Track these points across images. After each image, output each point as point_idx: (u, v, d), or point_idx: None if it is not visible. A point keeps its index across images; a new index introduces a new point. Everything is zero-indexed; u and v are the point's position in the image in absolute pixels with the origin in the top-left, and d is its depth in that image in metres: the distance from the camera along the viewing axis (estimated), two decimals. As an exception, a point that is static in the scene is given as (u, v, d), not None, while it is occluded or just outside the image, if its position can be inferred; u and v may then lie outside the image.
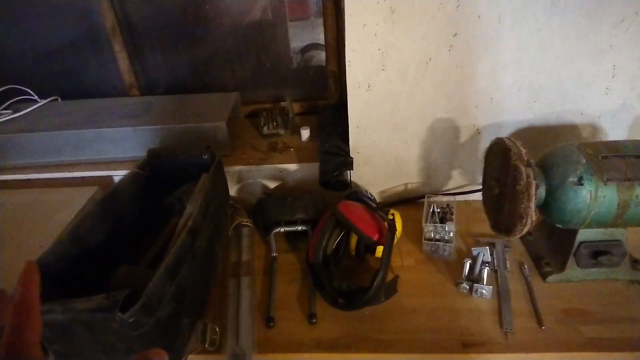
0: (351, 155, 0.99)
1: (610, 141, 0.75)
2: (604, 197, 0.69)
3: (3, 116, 1.16)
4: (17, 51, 1.24)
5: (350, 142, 0.97)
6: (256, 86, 1.27)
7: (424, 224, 0.88)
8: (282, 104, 1.19)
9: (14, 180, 1.07)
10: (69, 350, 0.61)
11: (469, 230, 0.93)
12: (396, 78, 0.88)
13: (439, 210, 0.90)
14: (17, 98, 1.22)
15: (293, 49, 1.23)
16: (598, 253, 0.76)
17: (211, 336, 0.71)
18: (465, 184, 1.02)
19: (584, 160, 0.70)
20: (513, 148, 0.71)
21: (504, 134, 0.93)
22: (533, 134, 0.92)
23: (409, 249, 0.90)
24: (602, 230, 0.76)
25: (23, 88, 1.23)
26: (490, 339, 0.70)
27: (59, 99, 1.26)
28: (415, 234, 0.92)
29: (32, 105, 1.21)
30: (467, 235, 0.92)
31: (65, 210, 0.92)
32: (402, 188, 1.04)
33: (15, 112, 1.18)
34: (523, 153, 0.71)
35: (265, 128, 1.12)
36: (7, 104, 1.21)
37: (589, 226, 0.74)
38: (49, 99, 1.24)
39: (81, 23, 1.19)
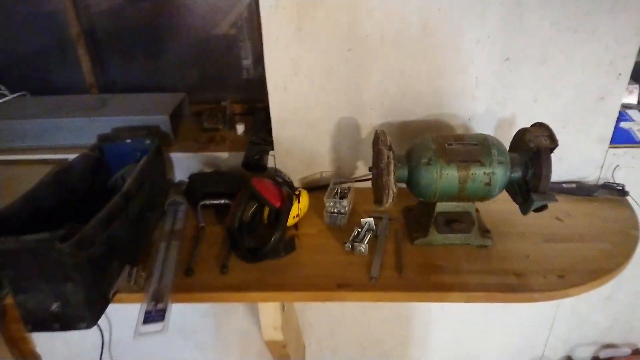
0: (275, 146, 1.18)
1: (459, 134, 0.98)
2: (447, 174, 0.91)
3: (-25, 107, 1.32)
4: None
5: (273, 135, 1.17)
6: (206, 90, 1.46)
7: (325, 199, 1.07)
8: (223, 103, 1.38)
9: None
10: (18, 275, 0.77)
11: (365, 209, 1.13)
12: (306, 83, 1.09)
13: (338, 189, 1.11)
14: (-11, 92, 1.38)
15: (244, 63, 1.43)
16: (451, 221, 0.97)
17: (137, 278, 0.88)
18: (368, 174, 1.23)
19: (434, 147, 0.92)
20: (381, 136, 0.93)
21: (393, 131, 1.14)
22: (418, 132, 1.14)
23: (314, 222, 1.09)
24: (454, 203, 0.97)
25: (-4, 84, 1.40)
26: (359, 282, 0.90)
27: (28, 95, 1.42)
28: (322, 212, 1.12)
29: (1, 99, 1.37)
30: (363, 212, 1.11)
31: (25, 183, 1.08)
32: (318, 176, 1.24)
33: (-14, 103, 1.34)
34: (387, 140, 0.92)
35: (205, 123, 1.31)
36: (-20, 97, 1.37)
37: (441, 199, 0.95)
38: (17, 94, 1.40)
39: (50, 29, 1.37)
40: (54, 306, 0.81)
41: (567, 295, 0.88)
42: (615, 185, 1.16)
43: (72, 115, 1.24)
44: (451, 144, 0.93)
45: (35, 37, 1.39)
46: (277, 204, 0.96)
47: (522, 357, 1.62)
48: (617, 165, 1.19)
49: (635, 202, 1.14)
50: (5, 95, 1.40)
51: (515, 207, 0.98)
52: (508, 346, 1.59)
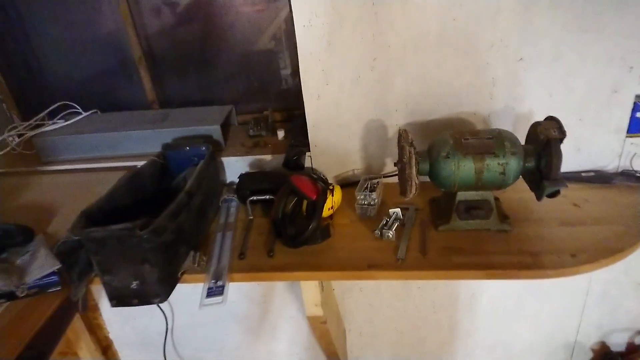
0: (311, 148, 1.33)
1: (475, 130, 1.08)
2: (464, 166, 1.02)
3: (57, 124, 1.56)
4: (66, 75, 1.66)
5: (309, 138, 1.32)
6: (250, 101, 1.64)
7: (356, 193, 1.21)
8: (265, 113, 1.55)
9: (66, 169, 1.46)
10: (105, 258, 0.96)
11: (394, 202, 1.25)
12: (337, 90, 1.23)
13: (368, 184, 1.24)
14: (67, 111, 1.61)
15: (283, 74, 1.59)
16: (471, 208, 1.08)
17: (200, 261, 1.05)
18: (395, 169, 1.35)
19: (451, 142, 1.04)
20: (403, 135, 1.05)
21: (417, 131, 1.26)
22: (440, 129, 1.25)
23: (347, 214, 1.23)
24: (473, 192, 1.08)
25: (70, 103, 1.63)
26: (387, 263, 1.02)
27: (98, 112, 1.65)
28: (354, 205, 1.25)
29: (77, 117, 1.61)
30: (391, 205, 1.23)
31: (103, 186, 1.28)
32: (350, 173, 1.37)
33: (66, 121, 1.58)
34: (409, 138, 1.04)
35: (251, 130, 1.48)
36: (60, 115, 1.61)
37: (461, 188, 1.06)
38: (90, 112, 1.63)
39: (115, 53, 1.59)
40: (134, 284, 0.98)
41: (578, 272, 0.96)
42: (634, 172, 1.22)
43: (139, 128, 1.45)
44: (467, 139, 1.04)
45: (103, 61, 1.62)
46: (314, 197, 1.11)
47: (555, 343, 1.67)
48: (635, 154, 1.24)
49: (654, 188, 1.20)
50: (80, 114, 1.63)
51: (534, 196, 1.07)
52: (540, 332, 1.65)
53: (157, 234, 0.95)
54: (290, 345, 1.79)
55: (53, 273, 0.93)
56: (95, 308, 1.77)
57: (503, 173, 1.01)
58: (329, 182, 1.29)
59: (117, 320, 1.82)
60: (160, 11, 1.53)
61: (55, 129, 1.54)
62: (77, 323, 1.64)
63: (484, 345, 1.70)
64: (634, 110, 1.20)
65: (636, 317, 1.60)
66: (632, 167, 1.24)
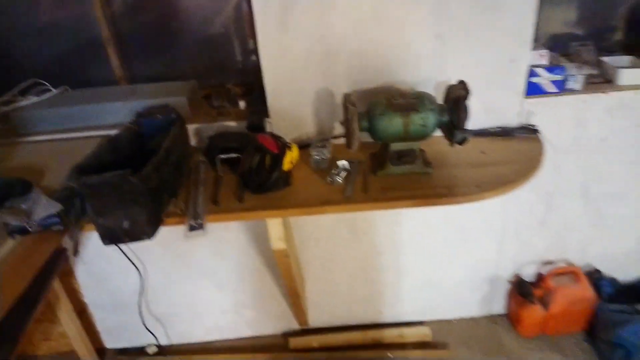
0: (270, 114, 1.55)
1: (403, 92, 1.34)
2: (394, 121, 1.27)
3: (30, 100, 1.68)
4: (38, 53, 1.76)
5: (268, 105, 1.53)
6: (211, 76, 1.82)
7: (310, 150, 1.44)
8: (227, 86, 1.74)
9: (44, 139, 1.59)
10: (99, 203, 1.13)
11: (343, 157, 1.49)
12: (291, 63, 1.45)
13: (321, 143, 1.47)
14: (38, 89, 1.73)
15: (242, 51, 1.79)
16: (401, 156, 1.34)
17: (180, 206, 1.25)
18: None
19: (384, 102, 1.29)
20: (347, 98, 1.30)
21: (359, 97, 1.50)
22: (378, 95, 1.50)
23: (304, 168, 1.45)
24: (403, 143, 1.34)
25: (41, 81, 1.74)
26: (337, 200, 1.27)
27: (68, 89, 1.77)
28: (309, 161, 1.48)
29: (48, 93, 1.72)
30: (340, 159, 1.47)
31: (82, 152, 1.43)
32: (305, 136, 1.60)
33: (38, 97, 1.69)
34: (352, 99, 1.28)
35: (214, 102, 1.67)
36: (31, 92, 1.72)
37: (393, 140, 1.32)
38: (60, 88, 1.75)
39: (84, 33, 1.72)
40: (125, 224, 1.17)
41: (483, 198, 1.25)
42: (530, 126, 1.54)
43: (110, 101, 1.60)
44: (397, 100, 1.30)
45: (73, 40, 1.74)
46: (276, 151, 1.33)
47: (478, 278, 2.00)
48: (531, 111, 1.56)
49: (544, 138, 1.52)
50: (50, 90, 1.75)
51: (453, 149, 1.34)
52: (466, 269, 1.97)
53: (145, 180, 1.13)
54: (254, 296, 2.01)
55: (55, 215, 1.09)
56: (70, 273, 1.90)
57: (424, 125, 1.28)
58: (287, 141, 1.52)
59: (91, 284, 1.95)
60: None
61: (28, 104, 1.65)
62: (56, 284, 1.77)
63: (422, 282, 2.00)
64: (529, 77, 1.51)
65: (541, 251, 1.96)
66: (528, 122, 1.56)
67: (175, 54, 1.79)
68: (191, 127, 1.58)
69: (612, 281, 2.04)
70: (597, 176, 1.77)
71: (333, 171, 1.39)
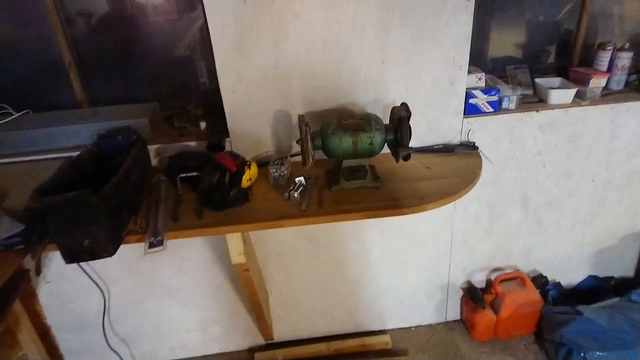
0: (230, 134, 1.63)
1: (352, 113, 1.45)
2: (345, 140, 1.38)
3: (-10, 123, 1.69)
4: (-2, 77, 1.79)
5: (228, 126, 1.61)
6: (173, 99, 1.89)
7: (269, 167, 1.52)
8: (187, 107, 1.81)
9: (6, 162, 1.61)
10: (60, 222, 1.17)
11: (299, 174, 1.57)
12: (248, 86, 1.54)
13: (279, 161, 1.56)
14: (-1, 112, 1.75)
15: (201, 74, 1.87)
16: (352, 172, 1.45)
17: (140, 224, 1.30)
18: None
19: (335, 123, 1.40)
20: (301, 118, 1.39)
21: (313, 117, 1.60)
22: (330, 116, 1.61)
23: (263, 184, 1.53)
24: (354, 160, 1.45)
25: (3, 105, 1.76)
26: (293, 214, 1.35)
27: (30, 112, 1.80)
28: (268, 178, 1.56)
29: (10, 117, 1.74)
30: (297, 175, 1.56)
31: (44, 174, 1.46)
32: (264, 154, 1.69)
33: (-1, 120, 1.71)
34: (305, 120, 1.38)
35: (176, 123, 1.74)
36: (-10, 116, 1.74)
37: (344, 157, 1.42)
38: (23, 112, 1.78)
39: (46, 58, 1.76)
40: (86, 242, 1.21)
41: (426, 209, 1.36)
42: (470, 143, 1.68)
43: (72, 123, 1.64)
44: (346, 120, 1.41)
45: (34, 64, 1.78)
46: (234, 168, 1.41)
47: (433, 285, 2.12)
48: (470, 129, 1.71)
49: (483, 153, 1.66)
50: (11, 114, 1.77)
51: (400, 164, 1.46)
52: (421, 277, 2.08)
53: (105, 199, 1.18)
54: (219, 312, 2.05)
55: (16, 235, 1.12)
56: (33, 294, 1.89)
57: (371, 144, 1.39)
58: (246, 160, 1.60)
59: (54, 305, 1.94)
60: (86, 19, 1.73)
61: (-12, 128, 1.67)
62: (17, 307, 1.76)
63: (380, 291, 2.09)
64: (468, 98, 1.66)
65: (489, 258, 2.10)
66: (468, 139, 1.70)
67: (138, 76, 1.85)
68: (152, 148, 1.64)
69: (557, 285, 2.20)
70: (535, 187, 1.93)
71: (291, 186, 1.47)
